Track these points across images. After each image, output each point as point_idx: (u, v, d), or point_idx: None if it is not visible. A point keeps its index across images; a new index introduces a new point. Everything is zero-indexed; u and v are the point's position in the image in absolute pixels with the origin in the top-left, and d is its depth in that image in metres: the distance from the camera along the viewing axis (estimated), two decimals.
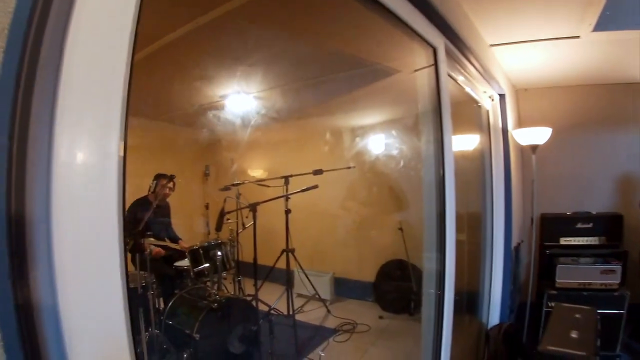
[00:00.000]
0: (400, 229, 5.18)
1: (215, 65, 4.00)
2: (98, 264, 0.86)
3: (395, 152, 5.24)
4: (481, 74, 3.64)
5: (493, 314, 4.33)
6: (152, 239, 3.64)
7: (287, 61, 3.99)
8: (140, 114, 5.99)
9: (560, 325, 2.91)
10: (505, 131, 4.32)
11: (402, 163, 5.13)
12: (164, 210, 4.74)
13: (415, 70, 2.82)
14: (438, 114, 2.54)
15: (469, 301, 4.18)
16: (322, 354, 4.07)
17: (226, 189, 4.81)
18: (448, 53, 2.69)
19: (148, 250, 3.57)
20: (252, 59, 3.77)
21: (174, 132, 6.62)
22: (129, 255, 3.45)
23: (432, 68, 2.59)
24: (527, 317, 4.51)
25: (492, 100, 4.31)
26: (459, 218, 2.69)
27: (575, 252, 4.50)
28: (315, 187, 4.00)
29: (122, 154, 0.90)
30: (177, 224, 5.03)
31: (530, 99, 5.25)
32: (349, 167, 4.97)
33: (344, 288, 5.91)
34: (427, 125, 2.68)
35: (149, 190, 4.31)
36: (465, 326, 4.06)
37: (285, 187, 4.48)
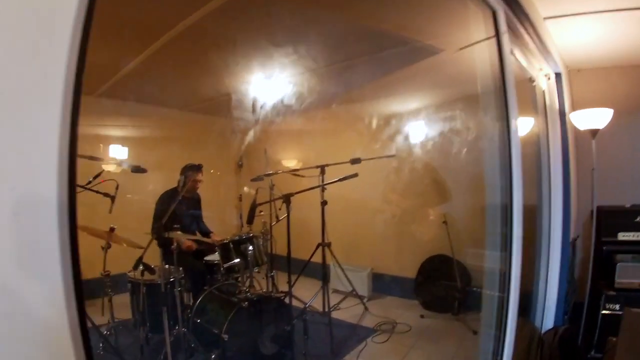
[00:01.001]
0: (445, 222, 4.86)
1: (241, 48, 3.80)
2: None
3: (438, 139, 4.92)
4: (538, 48, 3.34)
5: (547, 316, 3.98)
6: (179, 232, 3.44)
7: (318, 41, 3.73)
8: (167, 104, 5.92)
9: (632, 334, 2.55)
10: (562, 113, 3.96)
11: (446, 151, 4.83)
12: (194, 203, 4.61)
13: (465, 47, 2.53)
14: (502, 93, 2.29)
15: (521, 302, 3.84)
16: None
17: (258, 179, 4.63)
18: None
19: (175, 244, 3.39)
20: (281, 39, 3.54)
21: (204, 122, 6.52)
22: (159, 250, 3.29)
23: (490, 42, 2.33)
24: (584, 321, 4.11)
25: (548, 79, 3.95)
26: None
27: (635, 248, 4.09)
28: (355, 175, 3.71)
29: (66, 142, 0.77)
30: (209, 217, 4.91)
31: (584, 81, 4.76)
32: (389, 156, 4.65)
33: (382, 284, 5.66)
34: (488, 106, 2.41)
35: (178, 183, 4.16)
36: (517, 329, 3.73)
37: (320, 177, 4.28)
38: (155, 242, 3.20)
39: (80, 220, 3.03)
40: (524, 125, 3.94)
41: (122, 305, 3.90)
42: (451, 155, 4.78)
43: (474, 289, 4.71)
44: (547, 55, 3.59)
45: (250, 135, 5.81)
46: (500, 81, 2.29)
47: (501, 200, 2.30)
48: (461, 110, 4.66)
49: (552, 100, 4.02)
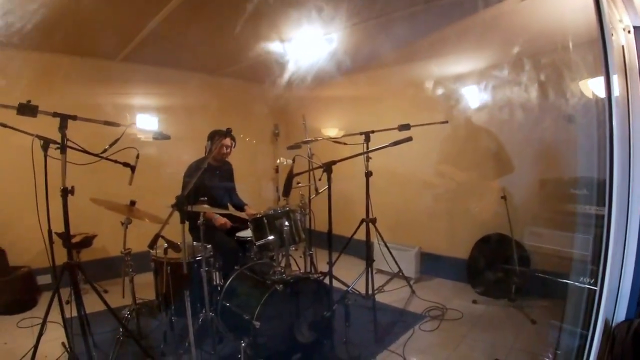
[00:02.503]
0: (504, 197, 4.36)
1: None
2: None
3: (499, 104, 4.44)
4: None
5: (620, 307, 3.50)
6: (206, 205, 3.10)
7: None
8: (197, 68, 5.59)
9: None
10: None
11: (508, 118, 4.33)
12: (225, 173, 4.31)
13: None
14: (600, 43, 2.01)
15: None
16: None
17: (295, 146, 4.34)
18: None
19: (201, 219, 3.05)
20: None
21: (237, 87, 6.19)
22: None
23: None
24: None
25: (628, 32, 3.39)
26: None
27: None
28: (409, 139, 3.19)
29: None
30: (244, 189, 4.63)
31: None
32: (442, 122, 4.17)
33: (431, 265, 5.29)
34: (579, 62, 1.99)
35: (206, 150, 3.89)
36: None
37: (365, 144, 3.93)
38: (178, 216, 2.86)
39: (99, 194, 2.63)
40: (600, 86, 3.44)
41: (147, 285, 3.64)
42: (515, 122, 4.28)
43: (536, 273, 4.22)
44: (628, 3, 3.04)
45: (287, 101, 5.49)
46: (598, 28, 1.99)
47: (597, 174, 1.88)
48: (528, 70, 4.14)
49: (632, 58, 3.48)
